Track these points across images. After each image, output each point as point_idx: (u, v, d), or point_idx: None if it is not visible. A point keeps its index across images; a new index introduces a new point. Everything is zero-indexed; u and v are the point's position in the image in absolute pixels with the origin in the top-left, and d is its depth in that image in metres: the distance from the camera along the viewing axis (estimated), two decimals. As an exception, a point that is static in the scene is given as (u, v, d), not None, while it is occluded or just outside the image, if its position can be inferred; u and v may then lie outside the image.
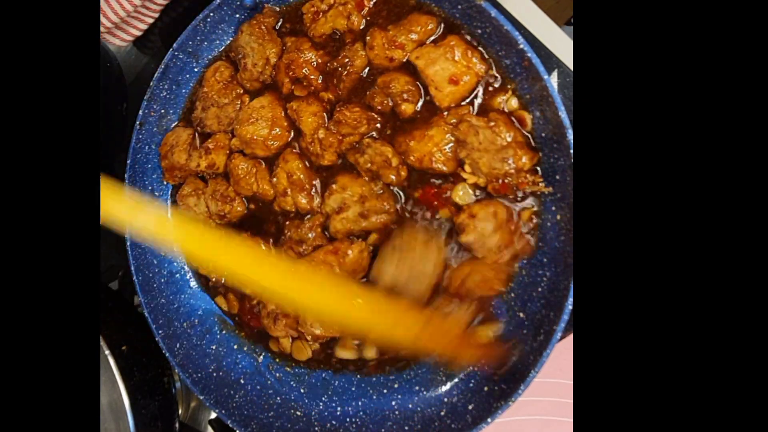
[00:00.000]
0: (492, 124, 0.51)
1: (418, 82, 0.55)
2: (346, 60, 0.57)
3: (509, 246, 0.53)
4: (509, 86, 0.53)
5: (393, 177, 0.55)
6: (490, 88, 0.54)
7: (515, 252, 0.53)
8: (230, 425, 0.59)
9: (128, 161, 0.63)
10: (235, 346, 0.65)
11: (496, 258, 0.53)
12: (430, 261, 0.54)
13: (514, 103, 0.53)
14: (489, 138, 0.51)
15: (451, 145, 0.54)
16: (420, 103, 0.56)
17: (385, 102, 0.56)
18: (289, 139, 0.61)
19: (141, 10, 0.66)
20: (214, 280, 0.65)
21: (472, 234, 0.53)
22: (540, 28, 0.62)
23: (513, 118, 0.53)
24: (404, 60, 0.55)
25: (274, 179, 0.60)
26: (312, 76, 0.59)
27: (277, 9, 0.61)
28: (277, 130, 0.60)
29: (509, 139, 0.51)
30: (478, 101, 0.54)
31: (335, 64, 0.58)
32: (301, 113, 0.58)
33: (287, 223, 0.61)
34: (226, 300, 0.65)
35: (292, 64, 0.59)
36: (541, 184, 0.52)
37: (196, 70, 0.65)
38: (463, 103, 0.54)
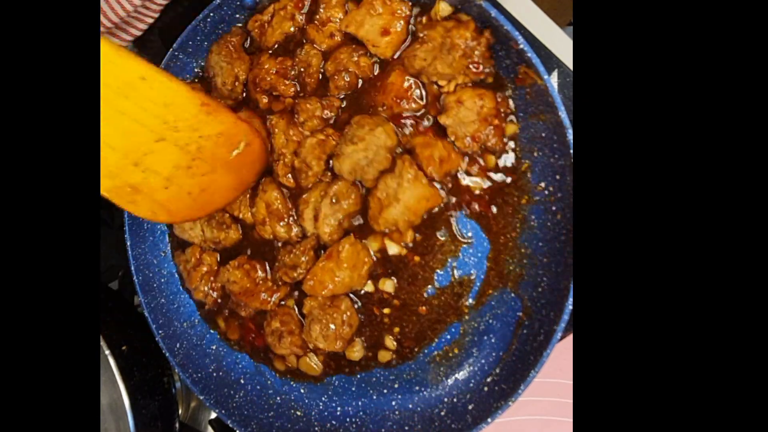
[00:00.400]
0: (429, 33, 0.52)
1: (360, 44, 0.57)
2: (302, 65, 0.58)
3: (481, 140, 0.53)
4: (509, 86, 0.53)
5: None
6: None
7: (485, 146, 0.54)
8: (230, 425, 0.59)
9: (128, 161, 0.63)
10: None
11: (463, 145, 0.54)
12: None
13: (444, 7, 0.53)
14: (439, 42, 0.52)
15: (412, 82, 0.55)
16: (374, 65, 0.57)
17: (348, 77, 0.57)
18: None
19: (141, 10, 0.66)
20: (210, 304, 0.65)
21: (451, 118, 0.53)
22: (540, 28, 0.62)
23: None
24: (343, 30, 0.56)
25: (254, 209, 0.60)
26: (281, 86, 0.59)
27: (241, 27, 0.62)
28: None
29: (460, 41, 0.51)
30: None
31: (295, 68, 0.59)
32: (275, 128, 0.59)
33: (281, 249, 0.60)
34: (226, 325, 0.64)
35: (256, 79, 0.60)
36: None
37: (196, 70, 0.65)
38: (406, 43, 0.55)
